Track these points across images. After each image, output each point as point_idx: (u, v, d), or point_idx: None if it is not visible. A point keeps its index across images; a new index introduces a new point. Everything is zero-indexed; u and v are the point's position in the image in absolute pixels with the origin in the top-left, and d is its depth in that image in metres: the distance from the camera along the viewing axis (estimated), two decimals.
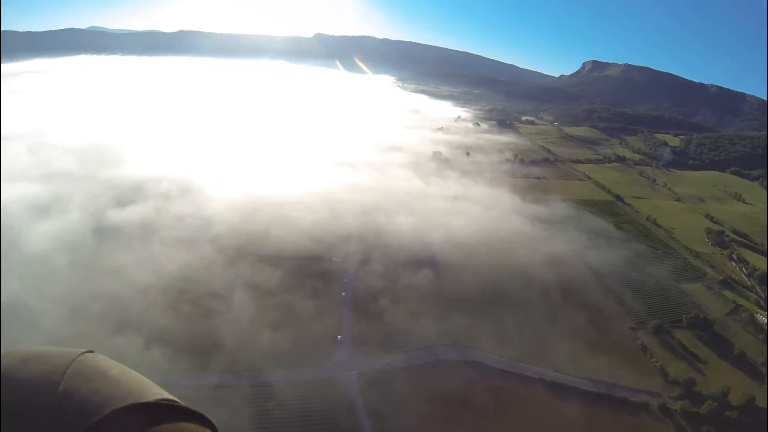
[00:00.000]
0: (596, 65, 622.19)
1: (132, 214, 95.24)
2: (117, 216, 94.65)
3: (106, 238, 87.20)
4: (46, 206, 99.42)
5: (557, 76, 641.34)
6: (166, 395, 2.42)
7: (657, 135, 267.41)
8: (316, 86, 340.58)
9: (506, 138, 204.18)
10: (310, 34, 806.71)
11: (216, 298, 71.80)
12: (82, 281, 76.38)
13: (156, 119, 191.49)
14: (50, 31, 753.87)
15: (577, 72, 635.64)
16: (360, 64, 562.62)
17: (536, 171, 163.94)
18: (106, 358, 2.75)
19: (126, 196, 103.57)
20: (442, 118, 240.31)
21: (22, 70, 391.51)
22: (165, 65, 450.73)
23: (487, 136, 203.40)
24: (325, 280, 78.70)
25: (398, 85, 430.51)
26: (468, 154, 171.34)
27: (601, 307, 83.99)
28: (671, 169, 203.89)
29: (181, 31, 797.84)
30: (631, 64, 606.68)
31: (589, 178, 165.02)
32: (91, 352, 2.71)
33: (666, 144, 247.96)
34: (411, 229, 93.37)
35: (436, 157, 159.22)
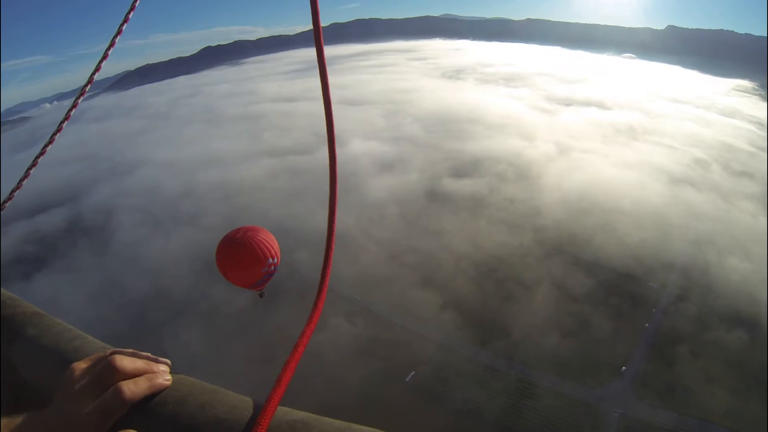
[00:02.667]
0: None
1: (465, 186, 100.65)
2: (451, 185, 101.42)
3: (436, 203, 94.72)
4: (390, 164, 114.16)
5: None
6: None
7: None
8: (664, 88, 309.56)
9: None
10: (661, 26, 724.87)
11: (520, 286, 71.53)
12: (405, 233, 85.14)
13: (515, 102, 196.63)
14: (409, 18, 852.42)
15: None
16: (714, 64, 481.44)
17: None
18: None
19: (463, 168, 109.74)
20: None
21: (384, 49, 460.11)
22: (517, 52, 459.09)
23: None
24: (633, 304, 70.48)
25: (758, 94, 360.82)
26: None
27: None
28: None
29: (528, 19, 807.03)
30: None
31: None
32: None
33: None
34: (741, 278, 78.15)
35: None
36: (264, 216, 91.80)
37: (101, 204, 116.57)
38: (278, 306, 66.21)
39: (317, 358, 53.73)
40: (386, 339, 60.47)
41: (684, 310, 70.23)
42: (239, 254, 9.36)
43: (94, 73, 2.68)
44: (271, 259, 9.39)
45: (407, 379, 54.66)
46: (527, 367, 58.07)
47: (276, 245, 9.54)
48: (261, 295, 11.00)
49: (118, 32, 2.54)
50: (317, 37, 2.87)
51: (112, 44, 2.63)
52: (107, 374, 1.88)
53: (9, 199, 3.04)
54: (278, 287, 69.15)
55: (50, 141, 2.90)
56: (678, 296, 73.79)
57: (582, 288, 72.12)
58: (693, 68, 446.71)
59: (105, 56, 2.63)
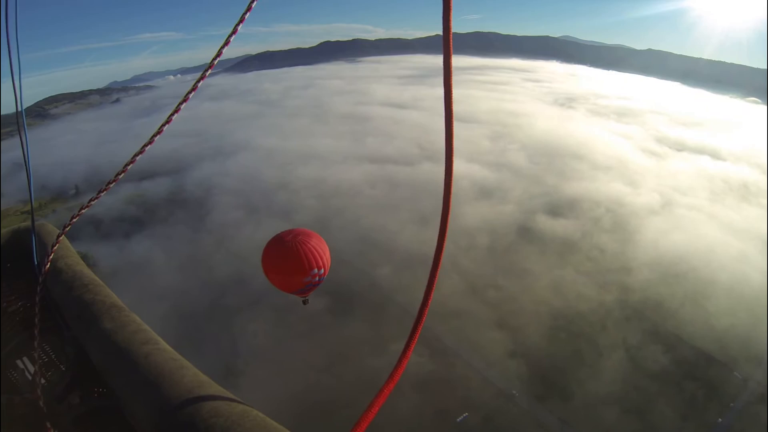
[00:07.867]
0: None
1: (558, 226, 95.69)
2: (544, 223, 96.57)
3: (526, 240, 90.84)
4: (489, 191, 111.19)
5: None
6: None
7: None
8: None
9: None
10: None
11: (592, 345, 66.73)
12: (490, 267, 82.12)
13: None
14: (528, 37, 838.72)
15: None
16: None
17: None
18: None
19: (560, 207, 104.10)
20: None
21: (500, 66, 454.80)
22: (633, 84, 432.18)
23: None
24: (707, 391, 62.23)
25: None
26: None
27: None
28: None
29: (650, 50, 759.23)
30: None
31: None
32: None
33: None
34: None
35: None
36: (355, 223, 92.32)
37: (202, 180, 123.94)
38: (350, 317, 66.70)
39: (374, 378, 51.06)
40: (447, 374, 58.82)
41: (765, 414, 60.47)
42: (283, 259, 8.80)
43: (214, 59, 2.74)
44: (316, 270, 8.68)
45: (458, 420, 52.77)
46: None
47: (327, 255, 8.85)
48: (304, 302, 10.33)
49: (241, 20, 2.56)
50: (446, 47, 2.23)
51: (234, 31, 2.60)
52: None
53: (123, 171, 3.12)
54: (354, 298, 70.13)
55: (167, 120, 2.84)
56: (761, 396, 63.48)
57: (657, 363, 65.57)
58: None
59: (227, 43, 2.62)
